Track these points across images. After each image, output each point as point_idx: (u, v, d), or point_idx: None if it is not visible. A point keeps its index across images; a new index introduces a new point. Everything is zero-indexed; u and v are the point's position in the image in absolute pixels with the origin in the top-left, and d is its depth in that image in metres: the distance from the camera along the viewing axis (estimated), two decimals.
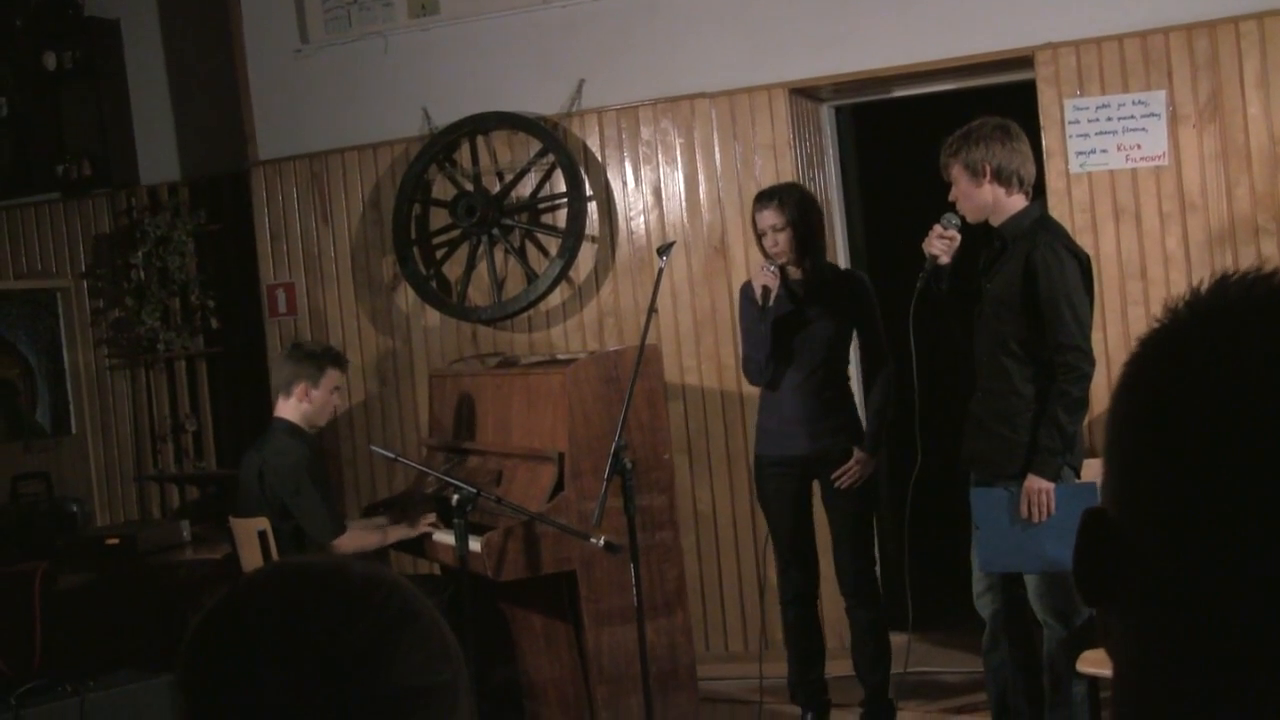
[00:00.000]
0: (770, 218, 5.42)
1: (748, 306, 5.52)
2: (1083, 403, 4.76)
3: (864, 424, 5.59)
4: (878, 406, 5.54)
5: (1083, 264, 4.78)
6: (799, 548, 5.58)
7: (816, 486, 5.61)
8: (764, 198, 5.50)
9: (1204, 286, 0.96)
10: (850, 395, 5.60)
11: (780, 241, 5.41)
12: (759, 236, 5.50)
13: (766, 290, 5.36)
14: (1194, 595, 0.91)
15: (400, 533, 5.81)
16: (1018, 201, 4.84)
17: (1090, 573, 0.98)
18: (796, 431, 5.50)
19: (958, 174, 4.85)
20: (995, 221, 4.87)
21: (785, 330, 5.46)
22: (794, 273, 5.50)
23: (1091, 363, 4.75)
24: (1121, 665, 0.99)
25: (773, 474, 5.57)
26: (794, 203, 5.44)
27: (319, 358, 5.84)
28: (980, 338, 4.92)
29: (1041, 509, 4.69)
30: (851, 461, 5.44)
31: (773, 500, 5.60)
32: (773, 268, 5.39)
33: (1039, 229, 4.79)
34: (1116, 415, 0.98)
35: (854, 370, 5.94)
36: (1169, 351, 0.95)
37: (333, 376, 5.82)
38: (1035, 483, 4.71)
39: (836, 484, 5.45)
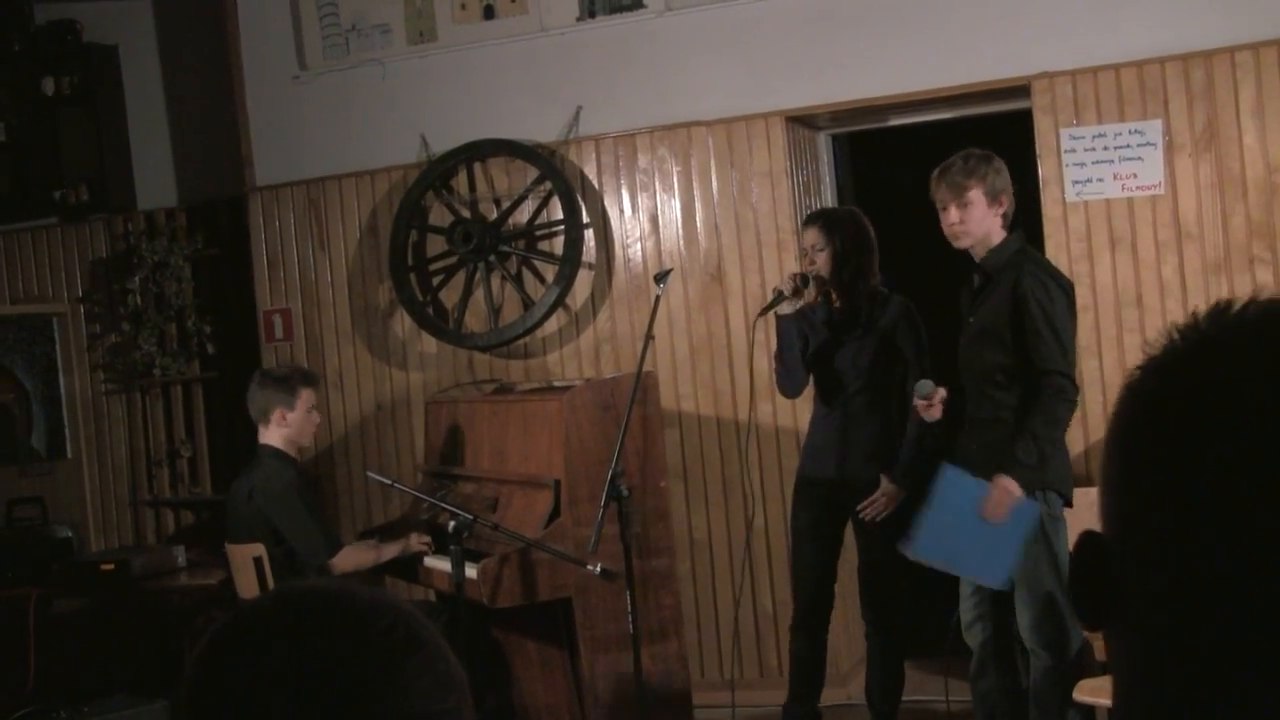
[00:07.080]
0: (811, 237, 5.49)
1: (786, 323, 5.49)
2: (1062, 422, 4.74)
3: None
4: (913, 437, 5.39)
5: (1067, 293, 4.81)
6: (816, 574, 5.51)
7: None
8: (810, 219, 5.60)
9: (1202, 314, 0.97)
10: (892, 424, 5.45)
11: (818, 261, 5.44)
12: (802, 255, 5.60)
13: (780, 292, 5.34)
14: (1188, 618, 0.92)
15: (395, 550, 5.80)
16: (1001, 233, 4.88)
17: (1087, 594, 0.99)
18: (829, 455, 5.46)
19: (975, 196, 4.82)
20: (979, 253, 4.89)
21: (825, 354, 5.48)
22: (835, 296, 5.50)
23: (1075, 388, 4.76)
24: (1121, 686, 1.00)
25: (804, 494, 5.54)
26: (838, 226, 5.48)
27: (289, 380, 5.82)
28: (966, 374, 4.93)
29: (1001, 509, 4.61)
30: (878, 493, 5.35)
31: (799, 521, 5.55)
32: (789, 279, 5.42)
33: (1023, 259, 4.82)
34: (1114, 437, 0.99)
35: None
36: (1167, 376, 0.96)
37: (306, 396, 5.80)
38: (1006, 482, 4.62)
39: (861, 515, 5.38)
